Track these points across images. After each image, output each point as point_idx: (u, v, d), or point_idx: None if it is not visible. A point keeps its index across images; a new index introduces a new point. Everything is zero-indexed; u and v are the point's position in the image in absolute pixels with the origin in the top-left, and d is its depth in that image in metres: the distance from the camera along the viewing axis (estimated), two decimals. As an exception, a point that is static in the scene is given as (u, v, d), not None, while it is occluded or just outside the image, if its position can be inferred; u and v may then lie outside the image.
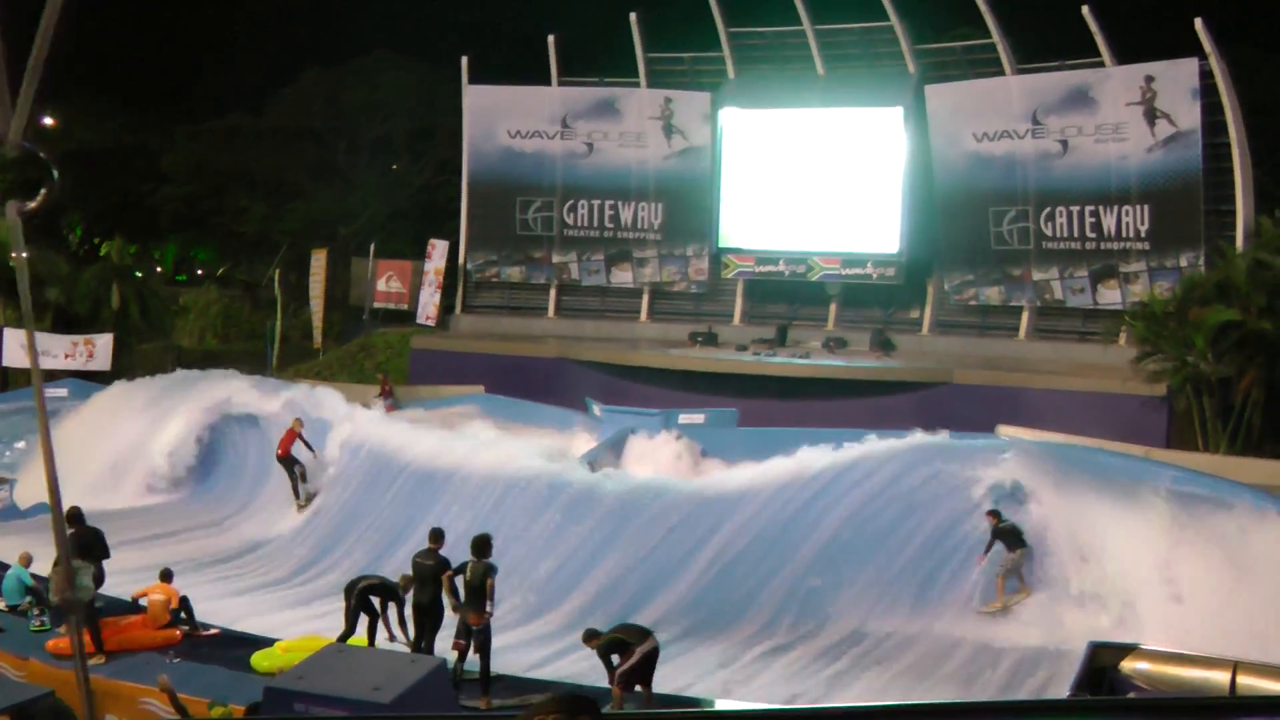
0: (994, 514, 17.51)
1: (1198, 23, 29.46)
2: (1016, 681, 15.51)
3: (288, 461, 23.50)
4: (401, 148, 47.86)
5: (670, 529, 19.45)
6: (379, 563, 20.71)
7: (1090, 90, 31.45)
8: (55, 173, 3.24)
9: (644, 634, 13.72)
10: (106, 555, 16.00)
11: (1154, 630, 15.15)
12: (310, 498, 23.29)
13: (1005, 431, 26.03)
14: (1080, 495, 17.65)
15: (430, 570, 15.05)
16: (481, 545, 14.35)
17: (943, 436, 19.65)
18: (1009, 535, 17.32)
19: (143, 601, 15.94)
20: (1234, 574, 15.74)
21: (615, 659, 13.36)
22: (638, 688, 13.25)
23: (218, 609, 17.43)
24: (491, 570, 14.19)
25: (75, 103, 49.57)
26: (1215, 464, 23.20)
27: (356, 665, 10.95)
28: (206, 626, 16.37)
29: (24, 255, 3.38)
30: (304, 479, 23.44)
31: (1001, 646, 16.55)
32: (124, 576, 17.10)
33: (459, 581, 14.39)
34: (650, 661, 13.40)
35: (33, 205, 3.28)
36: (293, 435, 23.40)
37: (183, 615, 16.15)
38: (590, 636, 13.73)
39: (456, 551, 15.78)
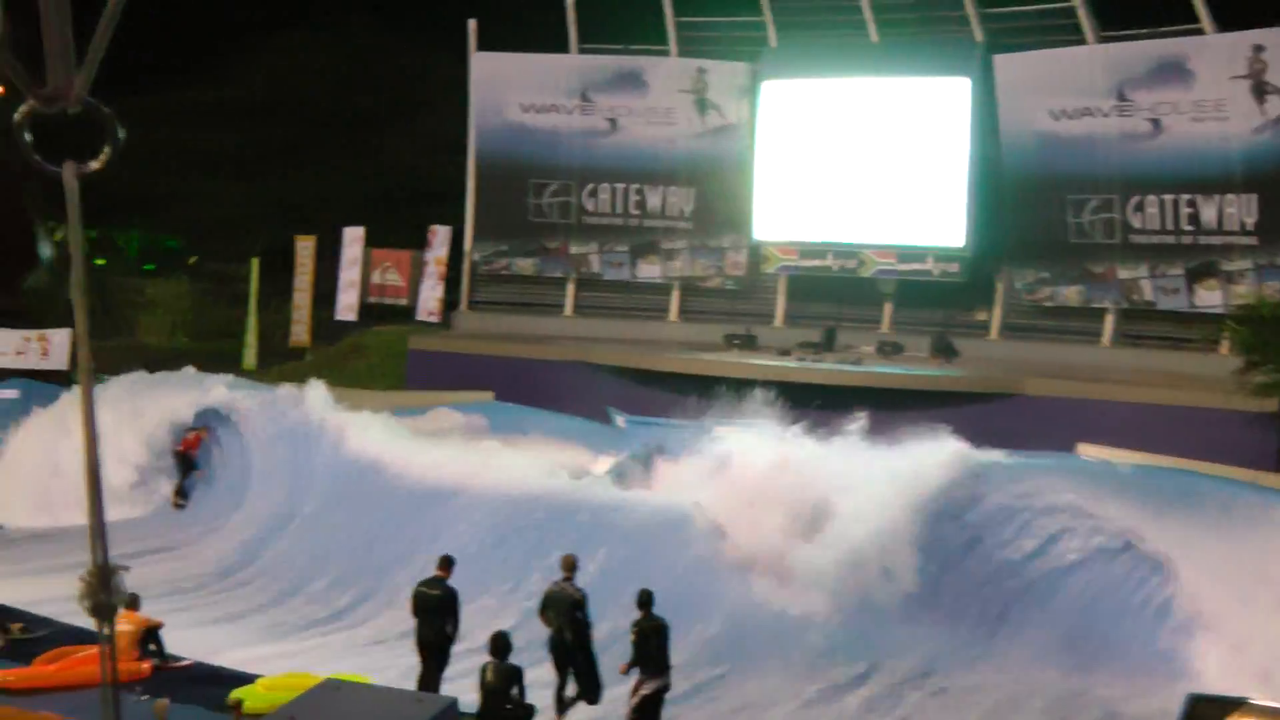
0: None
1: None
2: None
3: (185, 460, 25.68)
4: (392, 123, 47.86)
5: (701, 556, 19.38)
6: (371, 592, 20.77)
7: (1186, 61, 31.19)
8: (121, 131, 3.18)
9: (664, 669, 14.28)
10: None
11: (1267, 684, 14.95)
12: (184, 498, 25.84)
13: (1085, 451, 25.88)
14: (1177, 527, 17.51)
15: (435, 601, 15.04)
16: (502, 645, 13.82)
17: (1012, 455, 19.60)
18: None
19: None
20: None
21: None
22: None
23: (189, 639, 17.39)
24: (517, 676, 13.69)
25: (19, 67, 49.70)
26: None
27: (356, 704, 10.89)
28: (178, 659, 16.34)
29: (79, 226, 3.35)
30: (186, 483, 26.00)
31: (1090, 698, 16.41)
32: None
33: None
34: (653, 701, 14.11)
35: (95, 166, 3.23)
36: (198, 440, 25.99)
37: (152, 646, 16.12)
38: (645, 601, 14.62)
39: (461, 581, 15.77)
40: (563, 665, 15.03)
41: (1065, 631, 17.63)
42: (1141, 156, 31.85)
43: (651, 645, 14.42)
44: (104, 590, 3.78)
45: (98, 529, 3.50)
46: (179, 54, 50.92)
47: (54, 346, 35.35)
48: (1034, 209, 33.46)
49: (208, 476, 26.44)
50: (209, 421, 26.86)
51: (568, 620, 14.89)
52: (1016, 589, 18.25)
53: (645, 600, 14.74)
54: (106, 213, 51.00)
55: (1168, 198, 31.62)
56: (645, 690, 14.40)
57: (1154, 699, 15.79)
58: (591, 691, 14.95)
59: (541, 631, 16.02)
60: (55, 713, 13.91)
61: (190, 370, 29.33)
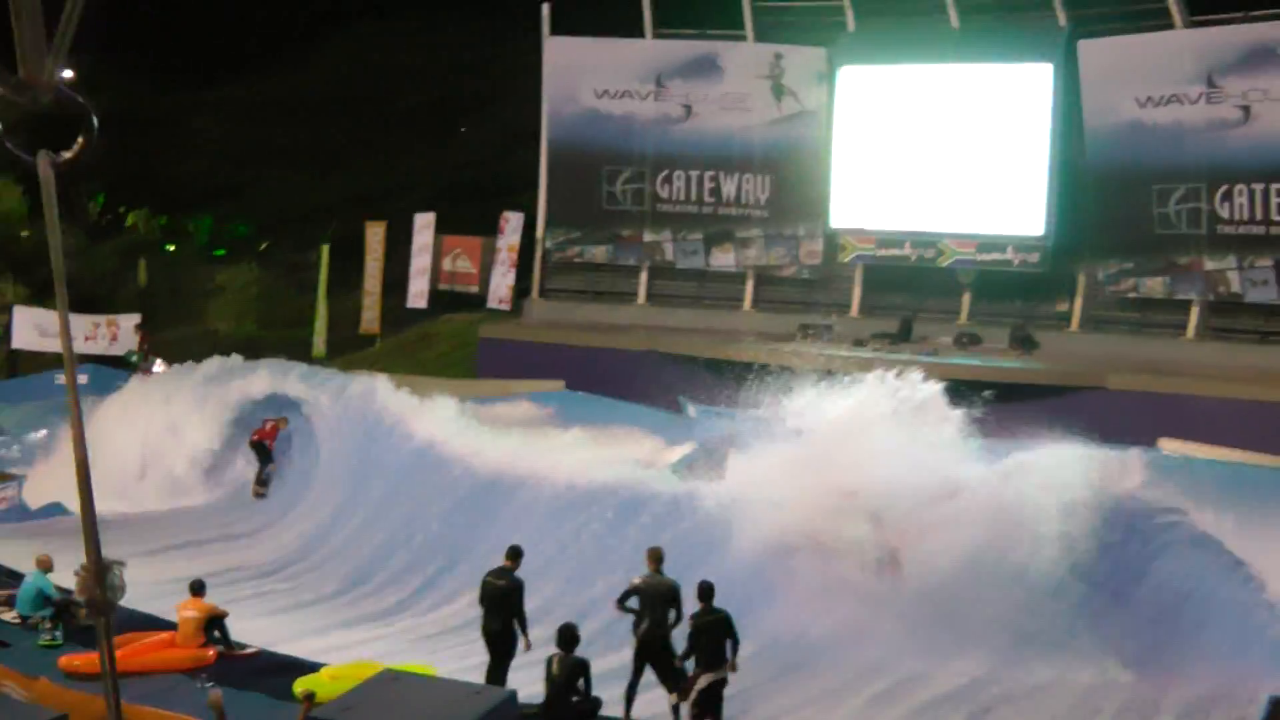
0: None
1: None
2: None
3: (261, 450, 26.00)
4: (464, 112, 48.02)
5: (770, 548, 19.28)
6: (437, 582, 20.86)
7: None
8: (95, 120, 3.15)
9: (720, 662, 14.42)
10: None
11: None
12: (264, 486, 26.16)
13: (1168, 446, 25.56)
14: (1263, 525, 17.22)
15: (502, 592, 15.07)
16: (569, 637, 13.96)
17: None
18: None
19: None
20: None
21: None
22: None
23: (254, 628, 17.56)
24: (584, 668, 13.83)
25: (94, 59, 50.48)
26: None
27: (412, 696, 10.92)
28: (243, 647, 16.49)
29: (56, 215, 3.32)
30: (264, 473, 26.21)
31: (1170, 701, 16.17)
32: (150, 589, 17.25)
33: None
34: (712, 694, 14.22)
35: (68, 156, 3.20)
36: (275, 429, 26.28)
37: (217, 634, 16.28)
38: (705, 593, 14.72)
39: (528, 572, 15.79)
40: (663, 662, 14.97)
41: (1147, 632, 17.38)
42: (1231, 145, 31.29)
43: (708, 638, 14.37)
44: (99, 586, 3.78)
45: (89, 526, 3.47)
46: (253, 48, 51.43)
47: (122, 332, 35.87)
48: (1118, 198, 33.00)
49: (278, 465, 26.67)
50: (281, 410, 27.04)
51: (662, 614, 14.89)
52: (1095, 586, 18.00)
53: (705, 592, 14.70)
54: (179, 200, 51.74)
55: (1257, 187, 31.03)
56: (702, 683, 14.36)
57: (1238, 702, 15.57)
58: (680, 683, 14.93)
59: (607, 624, 16.05)
60: (123, 699, 14.02)
61: (238, 359, 29.39)
